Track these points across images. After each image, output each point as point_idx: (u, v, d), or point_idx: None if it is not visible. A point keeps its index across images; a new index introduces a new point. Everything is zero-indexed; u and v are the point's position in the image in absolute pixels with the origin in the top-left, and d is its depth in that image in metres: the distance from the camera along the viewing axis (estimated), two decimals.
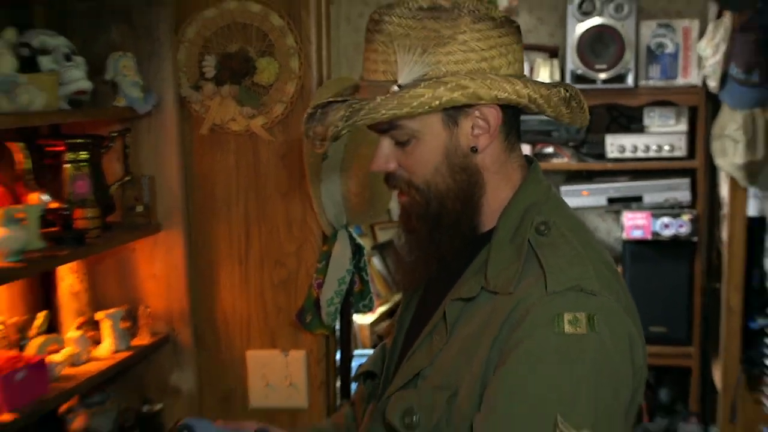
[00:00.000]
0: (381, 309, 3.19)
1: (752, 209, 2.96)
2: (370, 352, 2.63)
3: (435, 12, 1.09)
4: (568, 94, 1.14)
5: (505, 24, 1.11)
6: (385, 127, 1.12)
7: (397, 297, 3.30)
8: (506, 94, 1.07)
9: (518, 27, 1.14)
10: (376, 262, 3.28)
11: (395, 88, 1.07)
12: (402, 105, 1.05)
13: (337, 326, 2.15)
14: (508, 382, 1.06)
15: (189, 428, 1.27)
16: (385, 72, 1.10)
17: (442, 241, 1.15)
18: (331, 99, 1.15)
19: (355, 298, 2.08)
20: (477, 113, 1.10)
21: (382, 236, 3.35)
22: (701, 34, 3.10)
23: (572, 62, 3.17)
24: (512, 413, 1.06)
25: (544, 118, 1.31)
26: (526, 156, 1.20)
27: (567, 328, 1.05)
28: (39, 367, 1.75)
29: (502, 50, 1.12)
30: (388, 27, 1.12)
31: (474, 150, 1.12)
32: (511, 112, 1.14)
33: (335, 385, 2.16)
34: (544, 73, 3.22)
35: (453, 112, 1.10)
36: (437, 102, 1.04)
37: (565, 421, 1.02)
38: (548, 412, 1.04)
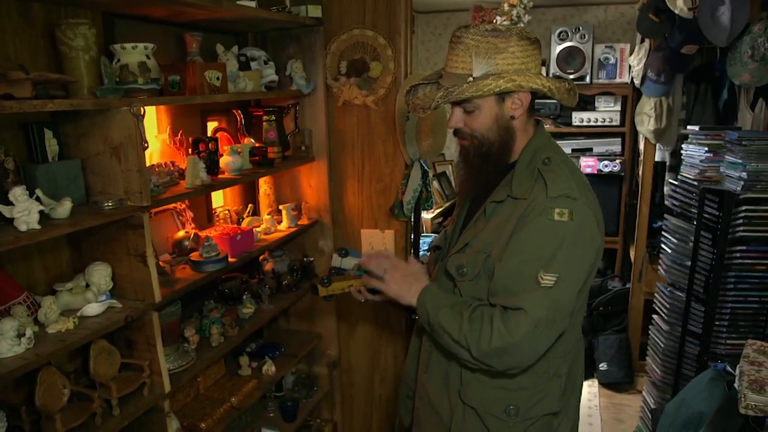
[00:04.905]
0: (437, 211, 4.08)
1: (657, 157, 3.71)
2: (431, 234, 3.51)
3: (495, 32, 1.37)
4: (569, 86, 1.47)
5: (535, 42, 1.42)
6: (461, 102, 1.43)
7: (446, 204, 4.21)
8: (536, 85, 1.38)
9: (540, 43, 1.45)
10: (435, 183, 4.14)
11: (470, 79, 1.38)
12: (478, 90, 1.36)
13: (412, 217, 2.76)
14: (516, 246, 1.39)
15: (346, 250, 1.82)
16: (464, 68, 1.40)
17: (487, 167, 1.49)
18: (420, 81, 1.57)
19: (422, 201, 2.70)
20: (516, 96, 1.41)
21: (439, 168, 4.32)
22: (631, 51, 3.90)
23: (553, 68, 4.09)
24: (514, 263, 1.39)
25: (539, 99, 1.49)
26: (535, 118, 1.55)
27: (556, 217, 1.35)
28: (248, 233, 2.38)
29: (533, 57, 1.41)
30: (466, 41, 1.39)
31: (512, 118, 1.45)
32: (533, 96, 1.45)
33: (410, 250, 2.82)
34: None
35: (503, 95, 1.41)
36: (498, 88, 1.35)
37: (544, 270, 1.36)
38: (536, 264, 1.36)
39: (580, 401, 1.69)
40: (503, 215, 1.46)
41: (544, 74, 4.10)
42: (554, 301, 1.36)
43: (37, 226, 1.51)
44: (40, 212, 1.53)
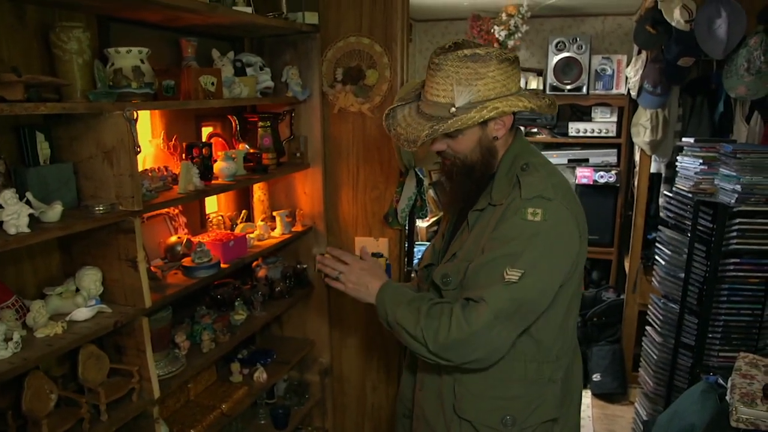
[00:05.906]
0: (432, 219, 4.11)
1: (653, 168, 3.69)
2: (426, 243, 3.43)
3: (475, 57, 1.37)
4: (549, 102, 1.48)
5: (514, 61, 1.41)
6: None
7: (440, 213, 4.12)
8: (519, 108, 1.40)
9: (518, 60, 1.46)
10: (431, 192, 4.07)
11: (453, 109, 1.39)
12: (464, 123, 1.38)
13: (406, 226, 2.78)
14: (488, 244, 1.43)
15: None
16: (445, 97, 1.40)
17: (470, 184, 1.52)
18: (397, 104, 1.58)
19: (416, 209, 2.71)
20: (500, 119, 1.45)
21: (435, 176, 4.26)
22: (628, 63, 3.90)
23: (550, 78, 4.12)
24: (485, 260, 1.42)
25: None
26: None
27: (528, 216, 1.38)
28: (241, 239, 2.40)
29: (512, 77, 1.42)
30: (445, 68, 1.39)
31: (495, 138, 1.49)
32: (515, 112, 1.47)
33: (404, 258, 2.83)
34: (533, 84, 4.16)
35: (486, 120, 1.42)
36: (482, 119, 1.38)
37: (510, 265, 1.37)
38: (504, 261, 1.38)
39: (580, 411, 1.68)
40: (484, 222, 1.48)
41: (524, 84, 4.14)
42: (516, 296, 1.36)
43: (27, 230, 1.50)
44: (30, 215, 1.52)
